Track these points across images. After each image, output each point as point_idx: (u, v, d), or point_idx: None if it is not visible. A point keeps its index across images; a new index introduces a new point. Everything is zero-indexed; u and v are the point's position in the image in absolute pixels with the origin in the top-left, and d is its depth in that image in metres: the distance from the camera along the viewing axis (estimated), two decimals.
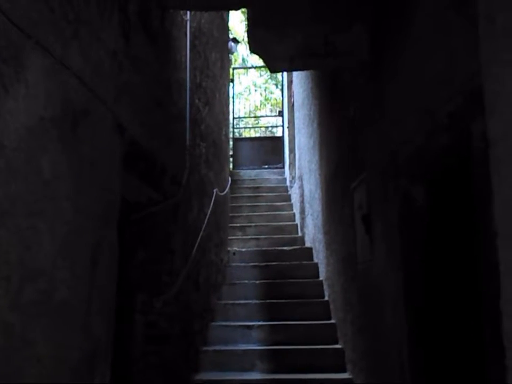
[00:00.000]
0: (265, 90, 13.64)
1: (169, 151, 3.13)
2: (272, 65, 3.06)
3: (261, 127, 12.25)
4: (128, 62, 2.40)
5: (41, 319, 1.36)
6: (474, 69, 1.37)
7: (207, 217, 4.40)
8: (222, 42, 6.27)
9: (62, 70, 1.60)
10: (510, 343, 0.92)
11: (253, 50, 2.89)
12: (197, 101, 4.26)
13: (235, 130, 9.76)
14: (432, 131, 1.77)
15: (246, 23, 2.80)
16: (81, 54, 1.76)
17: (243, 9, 3.43)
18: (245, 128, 11.78)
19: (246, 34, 2.88)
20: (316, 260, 5.36)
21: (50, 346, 1.39)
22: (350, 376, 3.64)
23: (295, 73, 7.29)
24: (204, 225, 4.23)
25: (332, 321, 4.38)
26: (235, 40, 8.33)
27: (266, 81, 13.92)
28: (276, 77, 12.31)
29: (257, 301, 4.74)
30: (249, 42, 2.84)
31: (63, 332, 1.47)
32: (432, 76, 1.74)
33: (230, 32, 8.34)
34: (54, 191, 1.50)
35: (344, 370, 3.81)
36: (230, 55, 8.09)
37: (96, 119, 1.86)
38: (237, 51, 9.79)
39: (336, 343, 4.14)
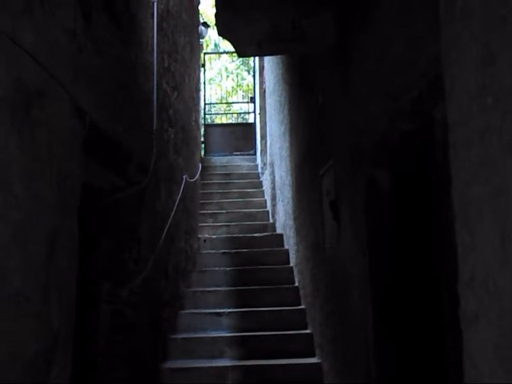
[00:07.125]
0: (237, 76, 13.51)
1: (134, 136, 3.04)
2: (241, 49, 3.02)
3: (232, 113, 12.14)
4: (89, 43, 2.30)
5: None
6: (437, 54, 1.36)
7: (176, 204, 4.33)
8: (191, 26, 6.13)
9: (13, 47, 1.51)
10: (466, 325, 0.92)
11: (220, 33, 2.83)
12: (164, 85, 4.16)
13: (206, 116, 9.64)
14: (396, 117, 1.77)
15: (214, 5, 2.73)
16: (35, 31, 1.67)
17: None
18: (216, 114, 11.65)
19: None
20: (286, 246, 5.38)
21: (2, 340, 1.32)
22: (319, 361, 3.69)
23: (266, 59, 7.22)
24: (173, 212, 4.16)
25: (302, 306, 4.42)
26: (205, 25, 8.18)
27: (238, 67, 13.77)
28: (248, 63, 12.18)
29: (227, 288, 4.73)
30: (217, 25, 2.78)
31: (17, 324, 1.41)
32: (396, 61, 1.73)
33: (200, 16, 8.17)
34: (5, 176, 1.42)
35: (313, 355, 3.85)
36: (200, 40, 7.94)
37: (52, 100, 1.77)
38: (207, 35, 9.62)
39: (306, 328, 4.18)
